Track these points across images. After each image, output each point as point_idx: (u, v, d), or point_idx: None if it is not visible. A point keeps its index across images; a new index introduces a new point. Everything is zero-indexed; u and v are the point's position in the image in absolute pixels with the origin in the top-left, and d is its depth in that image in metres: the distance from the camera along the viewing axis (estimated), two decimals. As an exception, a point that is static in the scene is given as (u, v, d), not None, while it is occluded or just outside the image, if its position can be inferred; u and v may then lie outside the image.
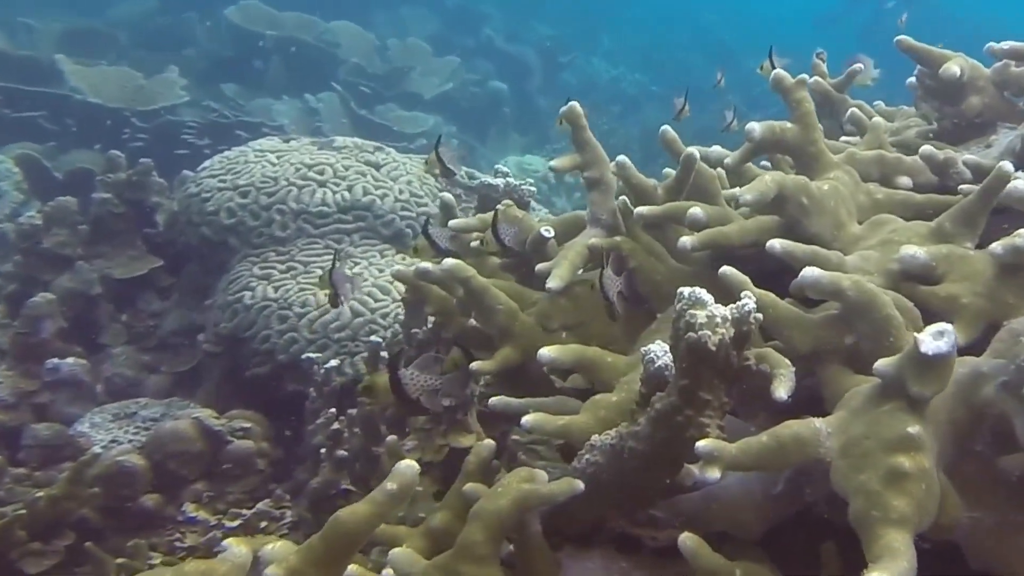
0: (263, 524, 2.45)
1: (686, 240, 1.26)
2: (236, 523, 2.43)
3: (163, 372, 3.15)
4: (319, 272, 2.77)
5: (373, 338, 2.49)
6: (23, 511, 2.24)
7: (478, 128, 7.68)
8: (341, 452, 2.06)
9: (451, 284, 1.40)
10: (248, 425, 2.63)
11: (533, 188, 2.51)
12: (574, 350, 1.19)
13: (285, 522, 2.46)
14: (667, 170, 1.71)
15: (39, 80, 5.34)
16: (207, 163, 3.36)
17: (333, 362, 2.47)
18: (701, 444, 0.88)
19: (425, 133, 6.41)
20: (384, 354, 2.34)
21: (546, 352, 1.16)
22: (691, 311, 0.96)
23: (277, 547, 0.94)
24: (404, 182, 3.27)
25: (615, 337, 1.38)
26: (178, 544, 2.39)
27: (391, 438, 1.58)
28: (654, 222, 1.42)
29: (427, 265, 1.41)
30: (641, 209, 1.40)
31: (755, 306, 0.96)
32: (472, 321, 1.41)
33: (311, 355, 2.56)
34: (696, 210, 1.30)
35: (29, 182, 4.39)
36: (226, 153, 3.39)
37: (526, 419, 1.09)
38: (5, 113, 5.21)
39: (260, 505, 2.47)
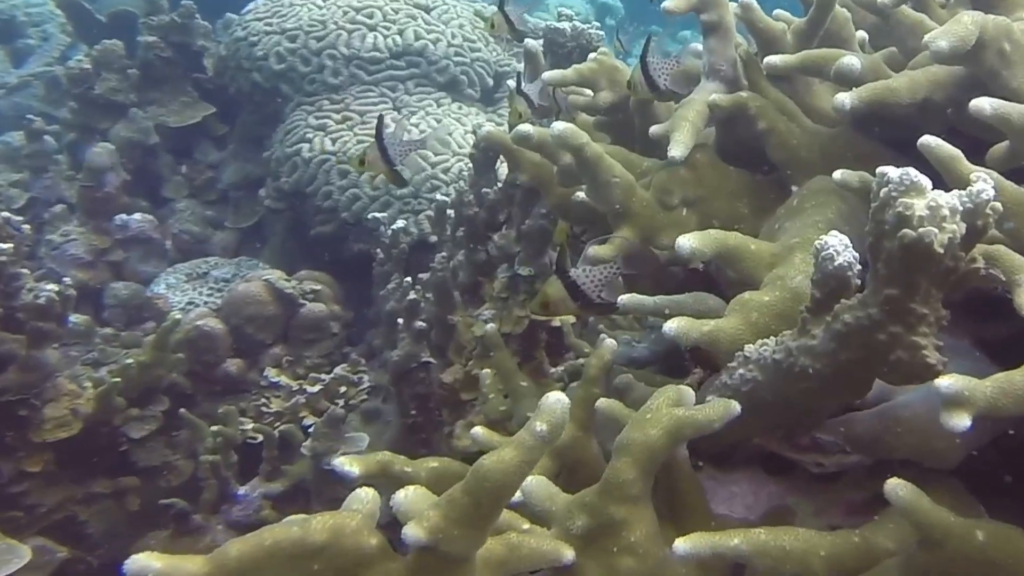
0: (342, 389, 2.32)
1: (844, 98, 0.97)
2: (317, 388, 2.30)
3: (228, 228, 2.95)
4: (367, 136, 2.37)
5: (438, 196, 2.23)
6: (117, 379, 2.12)
7: (511, -36, 6.96)
8: (419, 324, 1.86)
9: (557, 151, 1.13)
10: (318, 287, 2.46)
11: (602, 32, 2.13)
12: (716, 238, 0.93)
13: (363, 387, 2.33)
14: (779, 11, 1.38)
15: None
16: (251, 6, 3.00)
17: (400, 223, 2.23)
18: (944, 383, 0.64)
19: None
20: (450, 212, 2.10)
21: (686, 241, 0.91)
22: (904, 199, 0.68)
23: (411, 496, 0.74)
24: (456, 25, 2.89)
25: (740, 213, 1.12)
26: (265, 409, 2.28)
27: (491, 327, 1.36)
28: (787, 74, 1.11)
29: (528, 128, 1.12)
30: (773, 58, 1.09)
31: (994, 192, 0.68)
32: (581, 195, 1.15)
33: (377, 215, 2.32)
34: (851, 60, 0.99)
35: (72, 24, 4.02)
36: (269, -6, 3.01)
37: (670, 326, 0.86)
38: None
39: (337, 370, 2.34)
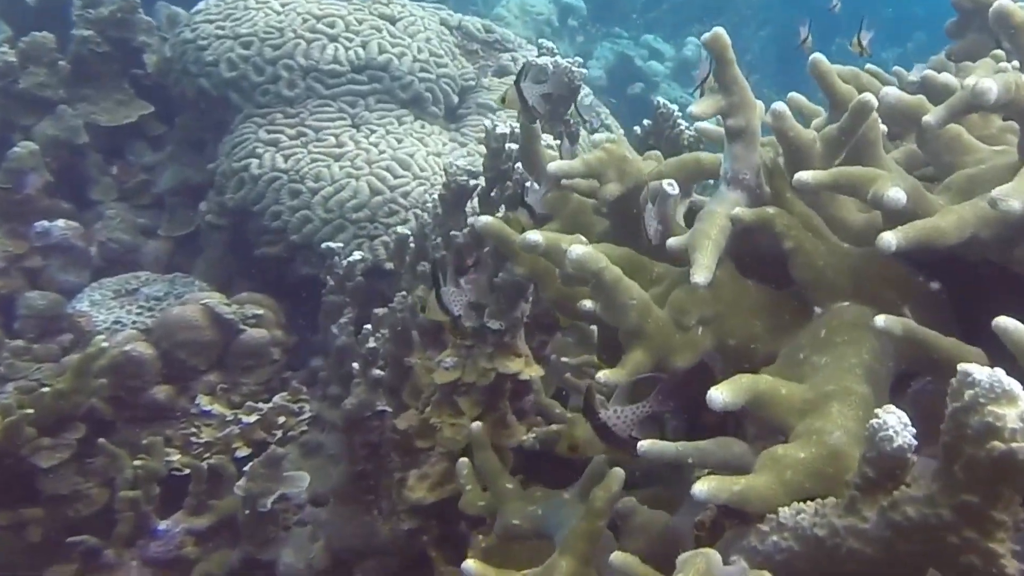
0: (281, 419, 2.18)
1: (890, 239, 0.92)
2: (253, 418, 2.16)
3: (161, 237, 2.74)
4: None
5: (400, 229, 2.11)
6: (30, 410, 1.94)
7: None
8: (377, 372, 1.76)
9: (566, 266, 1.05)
10: (260, 311, 2.30)
11: (584, 70, 2.04)
12: (747, 386, 0.87)
13: (303, 417, 2.20)
14: (794, 95, 1.33)
15: None
16: (201, 5, 2.78)
17: (356, 255, 2.09)
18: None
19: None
20: (411, 245, 1.99)
21: (718, 395, 0.84)
22: (993, 408, 0.64)
23: None
24: (422, 39, 2.76)
25: (756, 332, 1.06)
26: (194, 439, 2.12)
27: (476, 425, 1.27)
28: (818, 191, 1.06)
29: (536, 237, 1.05)
30: (804, 176, 1.03)
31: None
32: (588, 304, 1.07)
33: (331, 245, 2.18)
34: (897, 194, 0.94)
35: (-3, 4, 3.70)
36: (222, -5, 2.79)
37: (700, 489, 0.79)
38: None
39: (277, 399, 2.20)
